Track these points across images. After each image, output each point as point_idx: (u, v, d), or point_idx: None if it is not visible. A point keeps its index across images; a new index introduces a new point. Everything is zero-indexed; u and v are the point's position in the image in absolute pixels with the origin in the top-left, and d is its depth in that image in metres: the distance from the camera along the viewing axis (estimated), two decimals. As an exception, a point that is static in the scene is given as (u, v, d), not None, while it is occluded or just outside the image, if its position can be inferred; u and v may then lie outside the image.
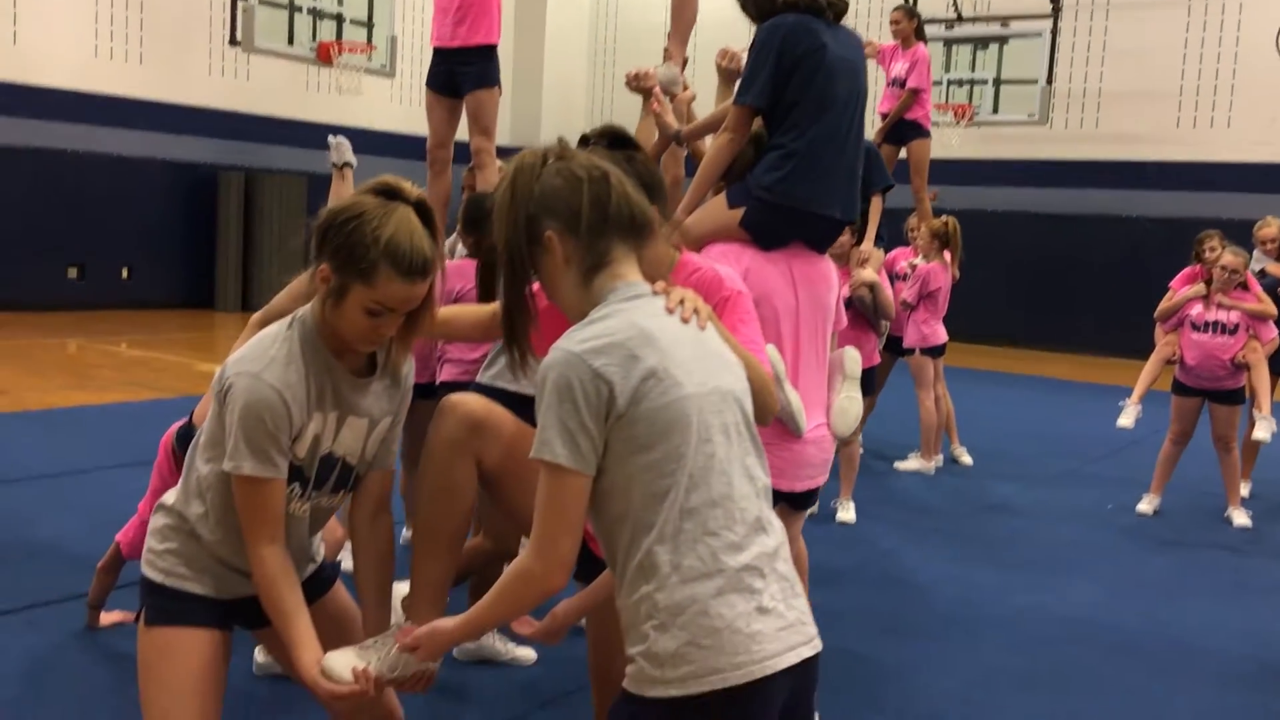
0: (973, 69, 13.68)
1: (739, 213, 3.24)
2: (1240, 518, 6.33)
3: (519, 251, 1.89)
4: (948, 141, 13.39)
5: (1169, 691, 3.86)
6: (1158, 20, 14.19)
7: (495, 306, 2.54)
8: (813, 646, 1.79)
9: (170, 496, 2.28)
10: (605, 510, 1.76)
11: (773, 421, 3.09)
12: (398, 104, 16.36)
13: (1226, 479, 6.49)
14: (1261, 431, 6.22)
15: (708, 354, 1.84)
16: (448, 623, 1.97)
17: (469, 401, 2.28)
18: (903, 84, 7.87)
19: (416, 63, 16.68)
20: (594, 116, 17.76)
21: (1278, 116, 13.91)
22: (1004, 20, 13.37)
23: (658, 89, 4.08)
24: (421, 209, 2.14)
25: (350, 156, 6.56)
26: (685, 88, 4.17)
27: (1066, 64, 14.67)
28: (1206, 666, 4.11)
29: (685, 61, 4.32)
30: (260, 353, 2.12)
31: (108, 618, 3.88)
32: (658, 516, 1.71)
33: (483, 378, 3.73)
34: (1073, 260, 14.77)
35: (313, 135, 15.45)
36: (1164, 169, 14.48)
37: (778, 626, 1.73)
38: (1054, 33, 13.89)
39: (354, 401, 2.20)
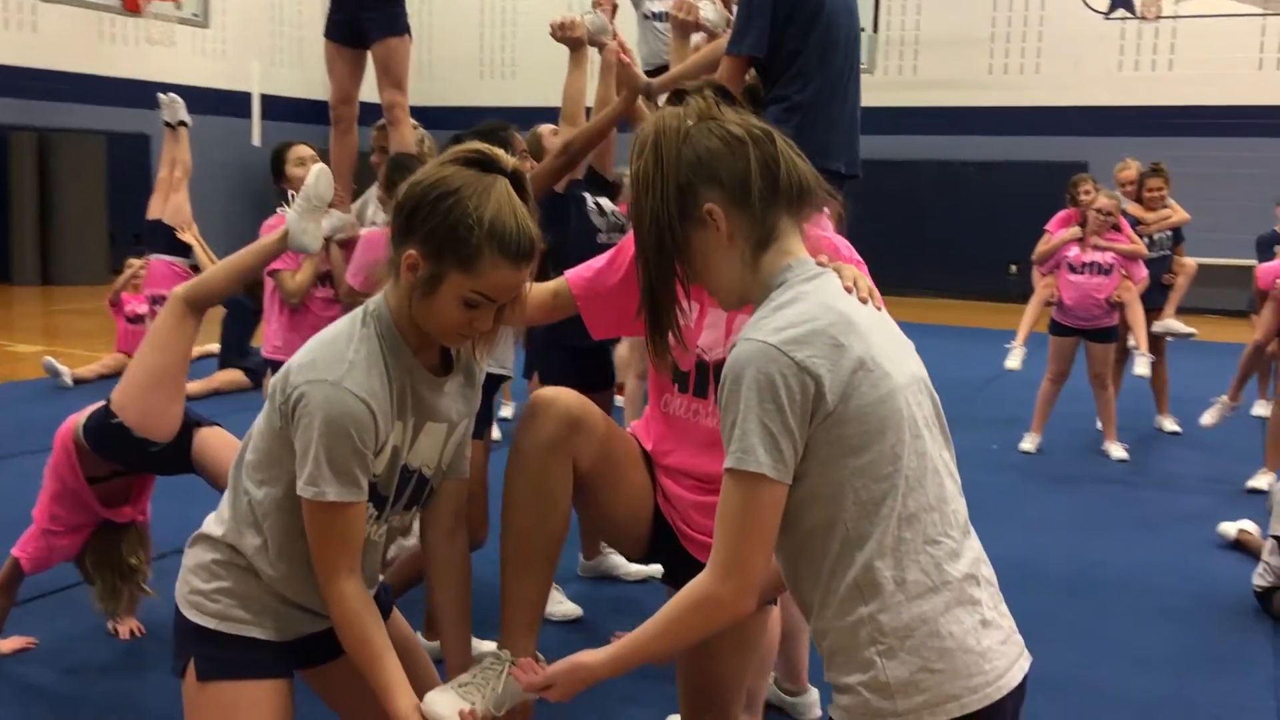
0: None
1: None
2: (1117, 451, 6.59)
3: (669, 229, 1.64)
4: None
5: (1129, 631, 3.94)
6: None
7: (556, 284, 2.29)
8: (1027, 658, 1.64)
9: (213, 526, 1.96)
10: (802, 521, 1.56)
11: None
12: (212, 57, 15.32)
13: (1103, 414, 6.74)
14: (1141, 367, 6.48)
15: (896, 337, 1.65)
16: (592, 657, 1.71)
17: (564, 396, 2.03)
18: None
19: (232, 13, 15.65)
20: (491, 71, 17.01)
21: (1081, 61, 14.55)
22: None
23: (584, 36, 3.83)
24: (518, 181, 1.87)
25: (185, 115, 6.04)
26: (615, 36, 3.93)
27: (886, 12, 14.96)
28: (1149, 603, 4.22)
29: (615, 8, 4.07)
30: (335, 355, 1.82)
31: (6, 645, 3.44)
32: (875, 527, 1.52)
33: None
34: (901, 204, 15.17)
35: (113, 91, 14.34)
36: (979, 114, 14.99)
37: (999, 640, 1.58)
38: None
39: (432, 405, 1.93)
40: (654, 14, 7.95)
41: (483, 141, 3.51)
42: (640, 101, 3.47)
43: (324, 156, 4.45)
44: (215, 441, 3.34)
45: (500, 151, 1.87)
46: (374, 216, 4.59)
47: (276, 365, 4.27)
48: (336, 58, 4.46)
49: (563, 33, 3.78)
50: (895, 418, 1.53)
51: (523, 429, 2.01)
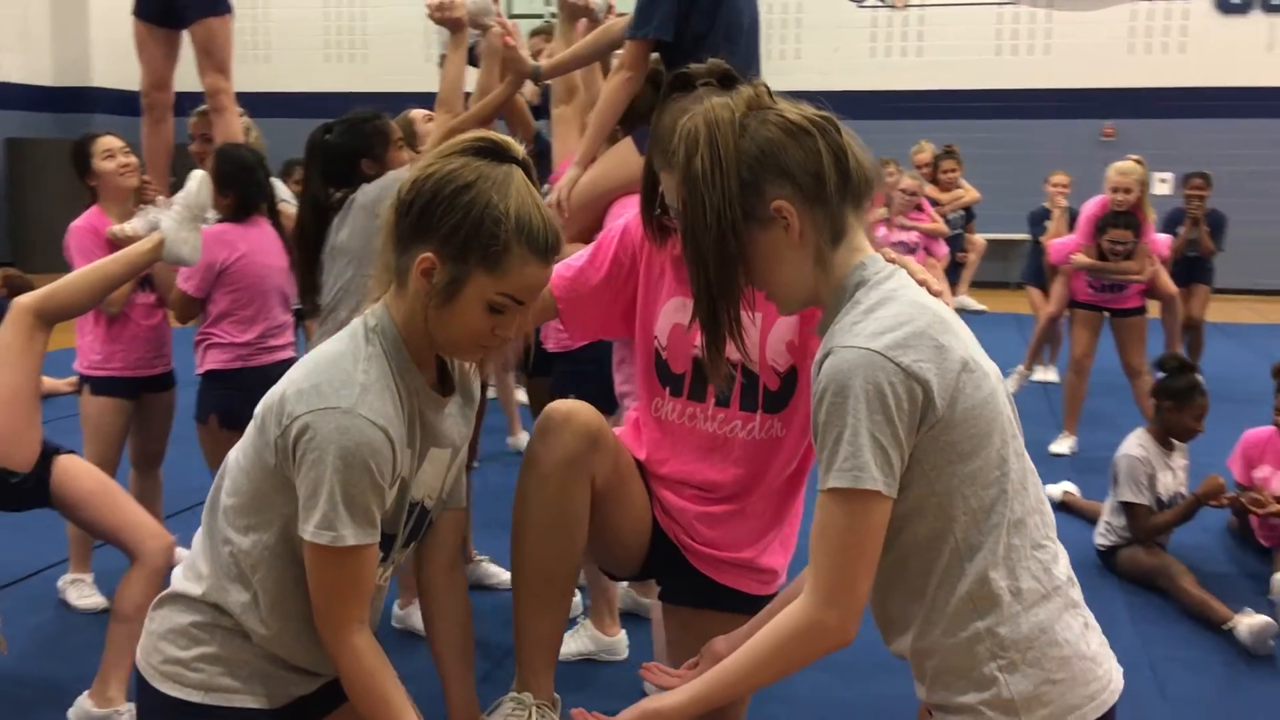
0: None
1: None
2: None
3: (733, 230, 1.50)
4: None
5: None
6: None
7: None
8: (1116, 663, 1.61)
9: (188, 583, 1.68)
10: (902, 535, 1.46)
11: None
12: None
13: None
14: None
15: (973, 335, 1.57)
16: (670, 700, 1.54)
17: (582, 409, 1.84)
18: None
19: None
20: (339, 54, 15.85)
21: (840, 47, 15.09)
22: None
23: (465, 18, 3.59)
24: (527, 169, 1.67)
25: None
26: (498, 18, 3.71)
27: None
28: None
29: None
30: (342, 378, 1.58)
31: None
32: (987, 536, 1.44)
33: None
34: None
35: None
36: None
37: (1100, 642, 1.55)
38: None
39: (436, 428, 1.71)
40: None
41: (353, 130, 3.28)
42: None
43: (134, 148, 4.02)
44: (76, 470, 2.98)
45: (508, 138, 1.67)
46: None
47: (97, 381, 3.85)
48: (148, 39, 4.02)
49: (441, 13, 3.53)
50: (999, 419, 1.46)
51: (539, 446, 1.82)
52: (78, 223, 3.98)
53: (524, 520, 1.82)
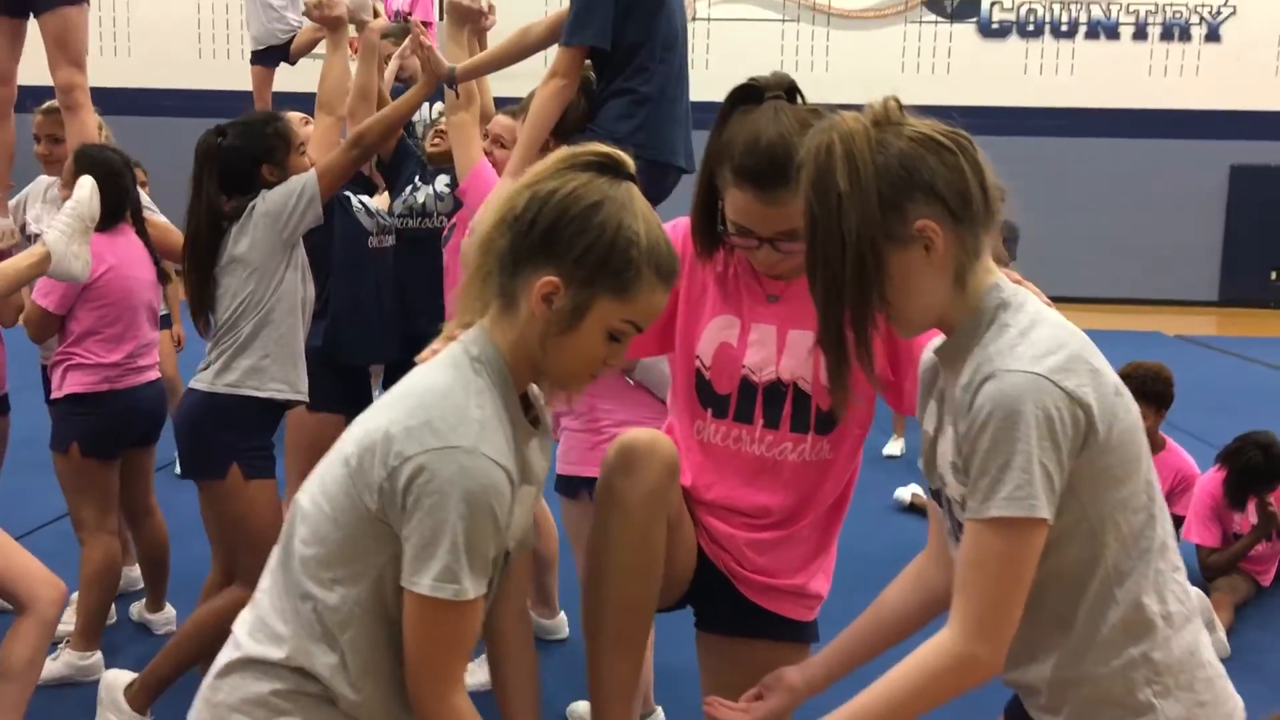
0: None
1: (593, 169, 2.83)
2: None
3: (872, 251, 1.45)
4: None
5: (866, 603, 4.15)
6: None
7: None
8: None
9: (264, 646, 1.49)
10: (1047, 562, 1.43)
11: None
12: None
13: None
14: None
15: None
16: None
17: (662, 439, 1.74)
18: (406, 16, 7.39)
19: None
20: None
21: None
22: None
23: (344, 15, 3.42)
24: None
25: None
26: (376, 15, 3.55)
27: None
28: (873, 574, 4.40)
29: None
30: (457, 414, 1.45)
31: None
32: (1139, 561, 1.45)
33: (257, 388, 2.94)
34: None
35: None
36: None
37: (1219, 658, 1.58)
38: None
39: (529, 464, 1.59)
40: (266, -10, 7.32)
41: (252, 133, 3.06)
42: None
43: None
44: None
45: (623, 154, 1.57)
46: (40, 221, 3.82)
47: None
48: (-11, 28, 3.62)
49: (320, 11, 3.36)
50: (1144, 442, 1.47)
51: (623, 480, 1.71)
52: None
53: (606, 560, 1.71)
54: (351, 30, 3.58)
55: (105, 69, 11.07)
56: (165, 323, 5.07)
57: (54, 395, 3.47)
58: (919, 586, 1.73)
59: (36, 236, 3.83)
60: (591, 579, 1.74)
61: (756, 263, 1.88)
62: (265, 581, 1.57)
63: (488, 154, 3.19)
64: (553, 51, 3.06)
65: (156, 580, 3.76)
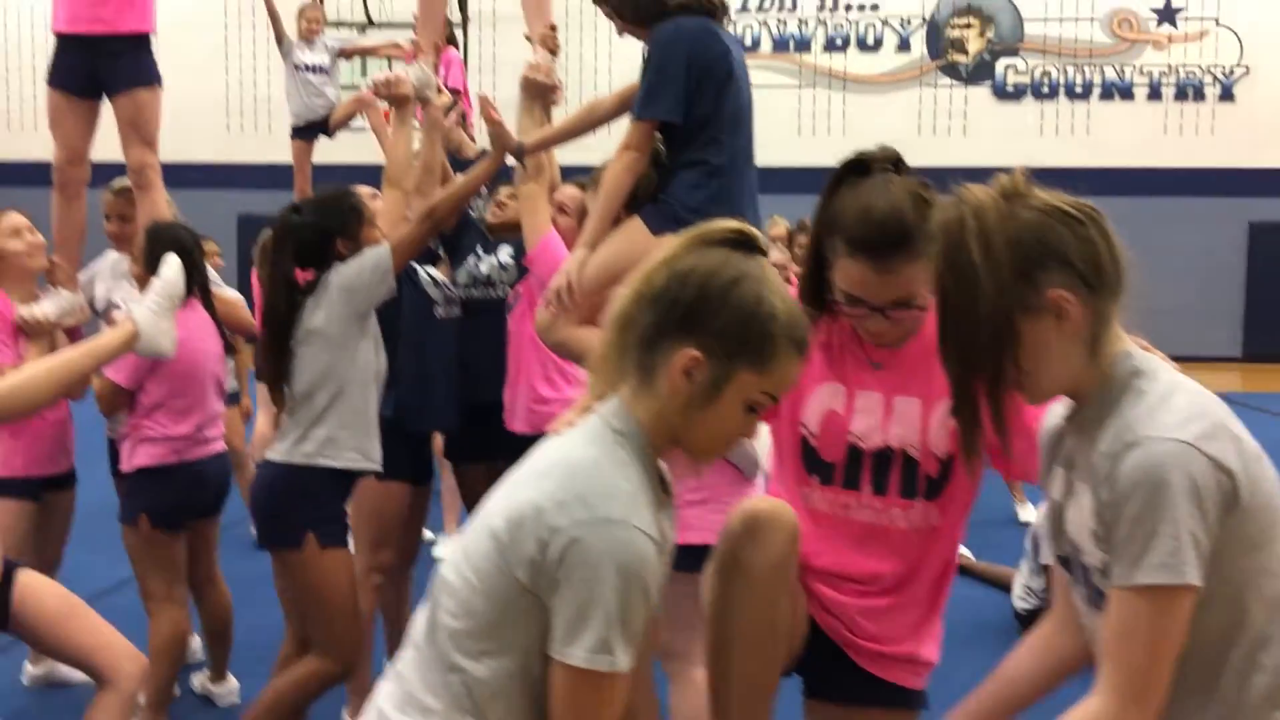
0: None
1: (667, 239, 2.87)
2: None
3: (1007, 321, 1.48)
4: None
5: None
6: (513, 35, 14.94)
7: None
8: None
9: (410, 718, 1.49)
10: (1195, 626, 1.44)
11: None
12: None
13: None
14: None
15: None
16: None
17: (784, 507, 1.76)
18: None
19: None
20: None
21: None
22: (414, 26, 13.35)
23: (411, 93, 3.51)
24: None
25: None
26: (440, 91, 3.63)
27: (474, 74, 14.99)
28: None
29: (438, 53, 3.72)
30: (607, 487, 1.47)
31: None
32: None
33: (333, 458, 2.97)
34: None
35: None
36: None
37: None
38: (465, 44, 14.06)
39: (664, 533, 1.61)
40: (305, 66, 7.49)
41: (326, 209, 3.13)
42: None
43: (41, 225, 3.69)
44: (39, 588, 2.69)
45: (754, 229, 1.62)
46: (109, 296, 3.89)
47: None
48: (66, 111, 3.71)
49: (387, 90, 3.44)
50: None
51: (748, 549, 1.72)
52: None
53: (732, 631, 1.72)
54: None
55: (106, 143, 11.32)
56: (233, 398, 5.12)
57: (123, 468, 3.51)
58: (1046, 654, 1.74)
59: (105, 312, 3.90)
60: (716, 650, 1.75)
61: (865, 331, 1.91)
62: (409, 654, 1.58)
63: (552, 222, 3.25)
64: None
65: (220, 650, 3.77)
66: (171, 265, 2.95)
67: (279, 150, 13.55)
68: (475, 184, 3.28)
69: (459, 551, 1.56)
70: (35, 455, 3.62)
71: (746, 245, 1.59)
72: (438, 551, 5.12)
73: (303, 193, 7.55)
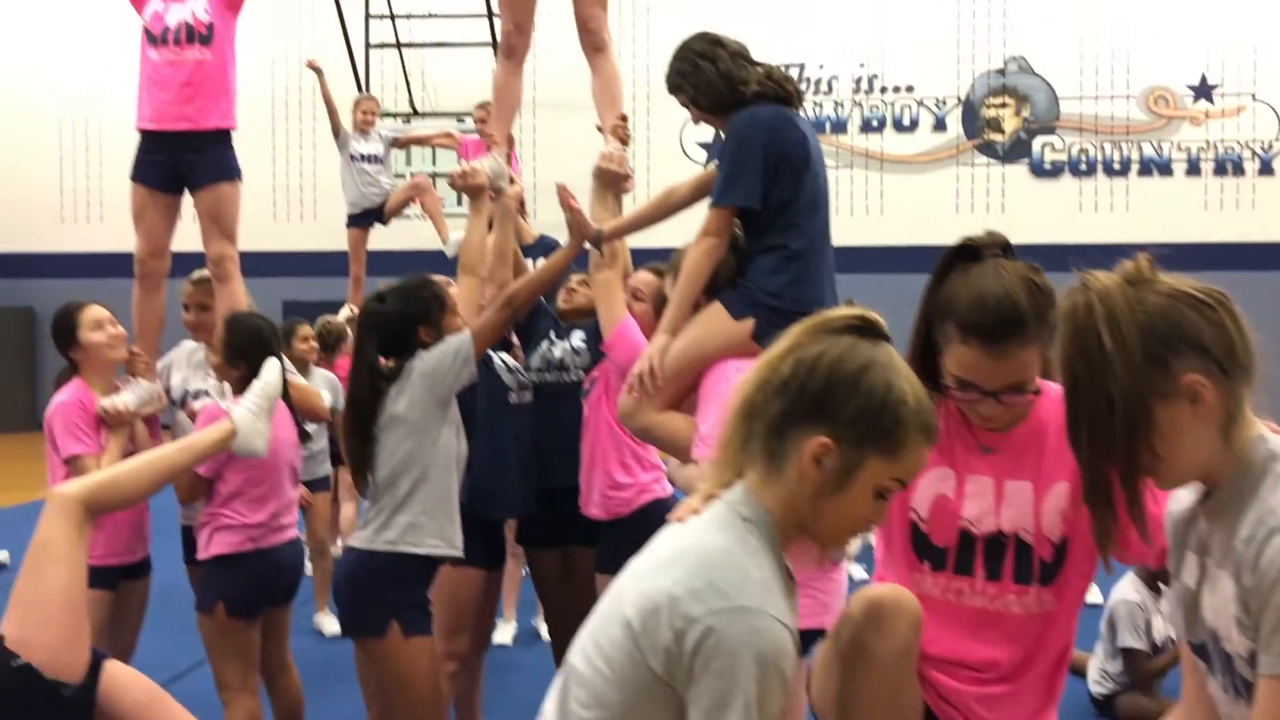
0: (434, 163, 13.66)
1: (748, 324, 2.89)
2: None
3: (1141, 407, 1.48)
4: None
5: None
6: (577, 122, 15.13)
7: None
8: None
9: None
10: None
11: None
12: None
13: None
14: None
15: None
16: None
17: (907, 594, 1.75)
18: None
19: None
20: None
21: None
22: (459, 116, 13.60)
23: (485, 183, 3.58)
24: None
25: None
26: (513, 181, 3.70)
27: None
28: None
29: (512, 145, 3.80)
30: (739, 575, 1.47)
31: None
32: None
33: (416, 544, 2.99)
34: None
35: None
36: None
37: None
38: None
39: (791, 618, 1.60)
40: (361, 155, 7.65)
41: (410, 296, 3.18)
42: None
43: (122, 317, 3.77)
44: (126, 678, 2.69)
45: (875, 315, 1.63)
46: (186, 386, 3.95)
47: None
48: (149, 205, 3.81)
49: (463, 181, 3.51)
50: None
51: (873, 636, 1.71)
52: (62, 398, 3.68)
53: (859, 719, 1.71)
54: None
55: (182, 234, 11.61)
56: (322, 484, 5.17)
57: (200, 556, 3.53)
58: None
59: (181, 401, 3.96)
60: None
61: (976, 416, 1.92)
62: None
63: (627, 307, 3.29)
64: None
65: (292, 738, 3.75)
66: (272, 368, 3.02)
67: (322, 238, 13.91)
68: (554, 271, 3.33)
69: (587, 640, 1.56)
70: (113, 544, 3.65)
71: (870, 331, 1.60)
72: (498, 637, 5.09)
73: (358, 279, 7.66)
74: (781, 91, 3.01)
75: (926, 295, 1.94)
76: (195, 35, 3.73)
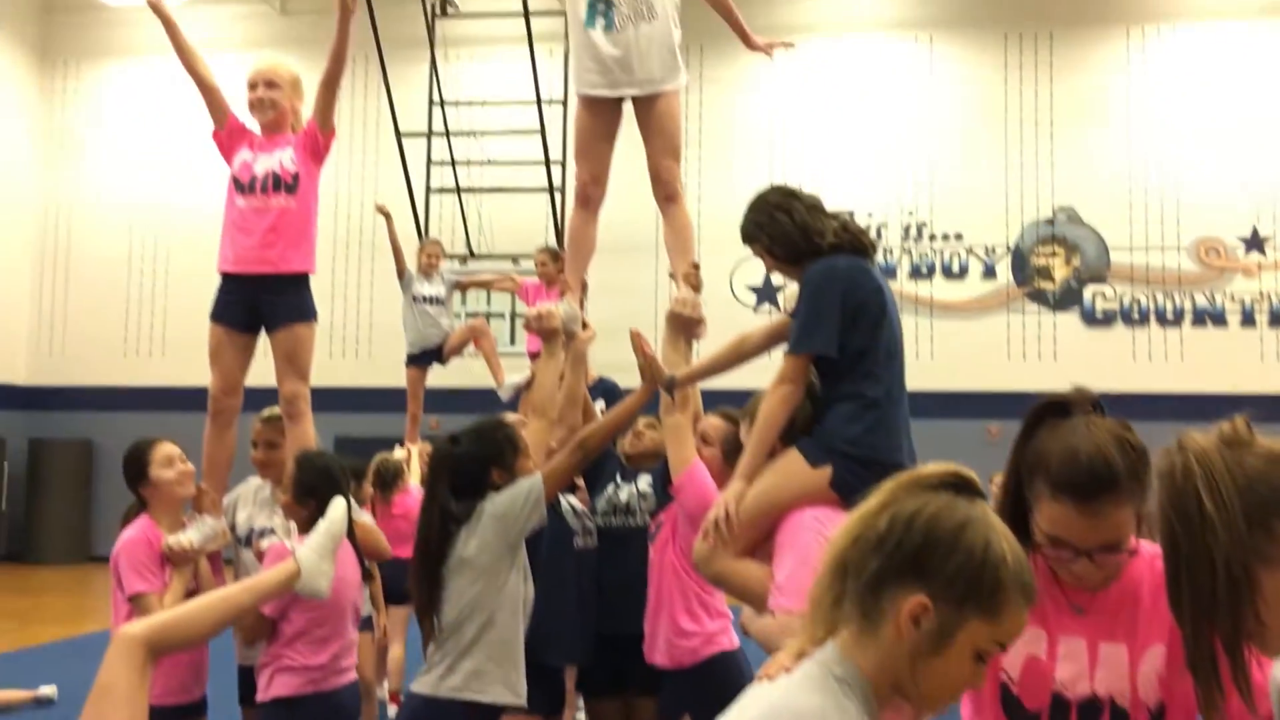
0: (489, 304, 13.89)
1: (826, 472, 2.88)
2: None
3: (1243, 569, 1.45)
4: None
5: None
6: (631, 263, 15.33)
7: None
8: None
9: None
10: None
11: None
12: None
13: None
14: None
15: None
16: None
17: None
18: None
19: None
20: (40, 346, 15.47)
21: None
22: (515, 257, 13.88)
23: (560, 326, 3.63)
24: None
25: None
26: (585, 326, 3.75)
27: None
28: None
29: (585, 291, 3.87)
30: None
31: None
32: None
33: (479, 692, 2.94)
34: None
35: None
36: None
37: None
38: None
39: None
40: (424, 297, 7.80)
41: (483, 438, 3.20)
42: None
43: (196, 459, 3.82)
44: None
45: (970, 472, 1.62)
46: (251, 523, 3.97)
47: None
48: (226, 344, 3.89)
49: (539, 324, 3.57)
50: None
51: None
52: (130, 535, 3.70)
53: None
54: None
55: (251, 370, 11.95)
56: (366, 623, 5.13)
57: (260, 698, 3.49)
58: None
59: (248, 539, 3.97)
60: None
61: (1069, 575, 1.88)
62: None
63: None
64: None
65: None
66: (338, 508, 3.04)
67: (376, 374, 14.11)
68: (626, 416, 3.35)
69: None
70: (170, 684, 3.62)
71: (966, 487, 1.58)
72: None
73: (415, 417, 7.73)
74: (857, 243, 3.06)
75: (1015, 450, 1.92)
76: (281, 184, 3.87)
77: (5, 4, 14.20)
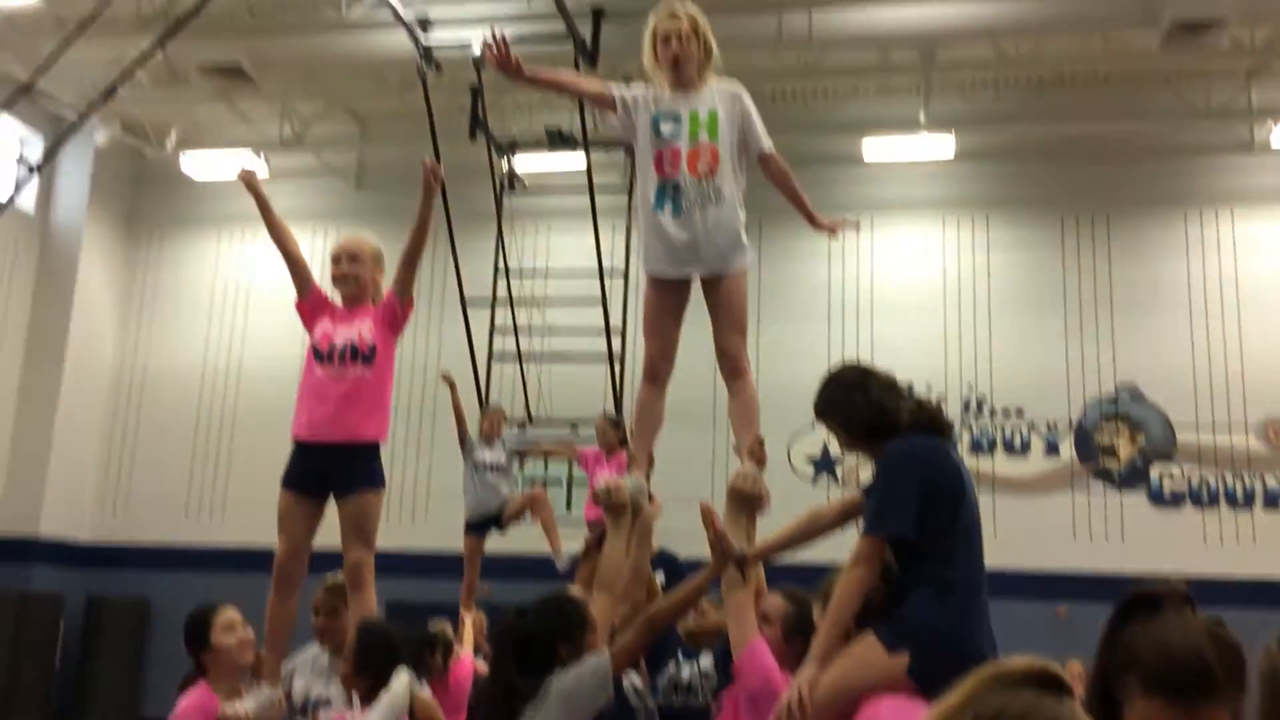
0: (545, 469, 13.90)
1: (903, 659, 2.81)
2: None
3: None
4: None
5: None
6: (689, 433, 15.33)
7: None
8: None
9: None
10: None
11: None
12: None
13: None
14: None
15: None
16: None
17: None
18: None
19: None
20: (105, 504, 15.68)
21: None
22: (573, 423, 13.94)
23: (628, 502, 3.63)
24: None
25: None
26: (651, 499, 3.75)
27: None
28: None
29: (652, 464, 3.88)
30: None
31: None
32: None
33: None
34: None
35: None
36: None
37: None
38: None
39: None
40: (485, 465, 7.84)
41: (551, 613, 3.17)
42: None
43: (254, 624, 3.81)
44: None
45: (1056, 665, 1.57)
46: (308, 692, 3.93)
47: None
48: (294, 509, 3.93)
49: (608, 498, 3.56)
50: None
51: None
52: (188, 702, 3.69)
53: None
54: None
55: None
56: None
57: None
58: None
59: (303, 709, 3.92)
60: None
61: None
62: None
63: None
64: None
65: None
66: (401, 683, 3.02)
67: (431, 539, 14.04)
68: (696, 594, 3.31)
69: None
70: None
71: (1051, 684, 1.53)
72: None
73: (470, 586, 7.68)
74: (934, 423, 3.06)
75: (1104, 644, 1.87)
76: (359, 354, 3.96)
77: (100, 177, 14.91)
